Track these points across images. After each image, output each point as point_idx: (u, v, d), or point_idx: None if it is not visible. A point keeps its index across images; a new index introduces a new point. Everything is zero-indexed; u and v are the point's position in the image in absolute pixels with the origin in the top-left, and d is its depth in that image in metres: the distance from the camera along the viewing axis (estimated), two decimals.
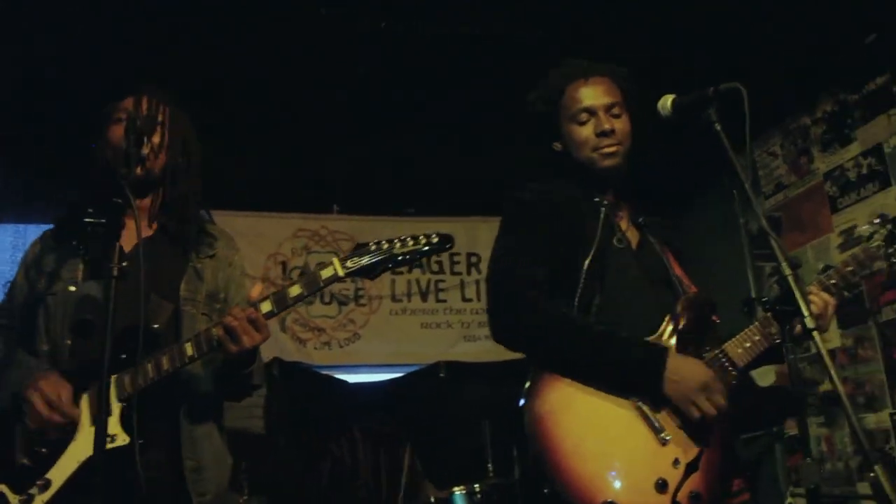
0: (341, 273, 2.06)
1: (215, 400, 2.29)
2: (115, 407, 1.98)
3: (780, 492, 4.98)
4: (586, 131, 2.37)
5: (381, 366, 5.92)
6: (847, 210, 4.72)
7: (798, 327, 1.92)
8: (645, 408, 2.09)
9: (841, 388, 1.65)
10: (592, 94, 2.39)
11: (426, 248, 2.11)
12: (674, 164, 5.63)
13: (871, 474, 1.51)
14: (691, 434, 2.08)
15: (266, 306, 2.06)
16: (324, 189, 5.95)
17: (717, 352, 2.22)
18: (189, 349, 2.04)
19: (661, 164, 5.56)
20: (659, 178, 5.64)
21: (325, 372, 5.73)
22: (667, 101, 2.25)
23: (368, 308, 6.00)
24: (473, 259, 6.31)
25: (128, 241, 2.00)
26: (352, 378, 5.84)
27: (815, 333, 1.71)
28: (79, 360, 2.09)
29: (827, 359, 1.70)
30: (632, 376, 2.10)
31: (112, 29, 3.76)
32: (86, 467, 1.95)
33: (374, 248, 2.08)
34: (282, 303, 2.07)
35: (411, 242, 2.10)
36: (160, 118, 2.27)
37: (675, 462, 2.02)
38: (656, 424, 2.07)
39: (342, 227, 6.05)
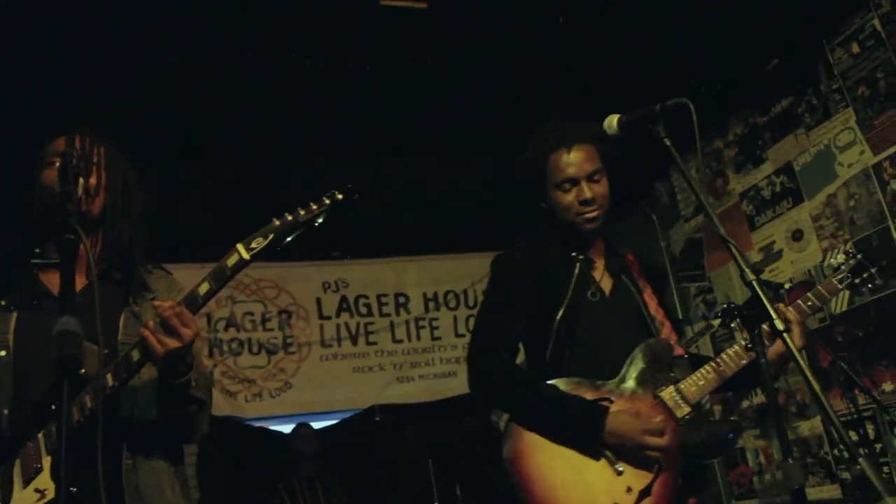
0: (247, 256, 1.90)
1: (163, 437, 2.06)
2: (45, 461, 1.83)
3: None
4: (569, 198, 2.51)
5: (315, 413, 5.78)
6: (764, 227, 4.90)
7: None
8: (612, 447, 2.32)
9: (816, 386, 1.67)
10: (575, 164, 2.52)
11: (331, 204, 1.95)
12: None
13: (857, 467, 1.53)
14: (643, 465, 2.31)
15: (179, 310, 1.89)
16: (246, 236, 5.78)
17: (672, 390, 2.41)
18: (110, 379, 1.87)
19: None
20: None
21: (258, 424, 5.55)
22: (612, 121, 2.27)
23: (298, 355, 5.86)
24: (401, 300, 6.26)
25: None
26: (286, 428, 5.66)
27: (785, 335, 1.73)
28: (14, 429, 1.91)
29: (800, 359, 1.72)
30: (577, 436, 2.34)
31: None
32: None
33: (277, 222, 1.93)
34: (193, 303, 1.91)
35: (315, 206, 1.94)
36: (95, 158, 2.15)
37: (629, 489, 2.27)
38: (611, 458, 2.32)
39: (267, 274, 5.91)
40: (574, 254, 2.55)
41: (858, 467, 1.53)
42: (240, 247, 1.91)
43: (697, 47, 4.37)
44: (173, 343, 1.83)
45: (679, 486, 2.33)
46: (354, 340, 6.04)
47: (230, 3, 3.45)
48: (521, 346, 2.59)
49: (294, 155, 4.79)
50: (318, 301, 6.04)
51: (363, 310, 6.13)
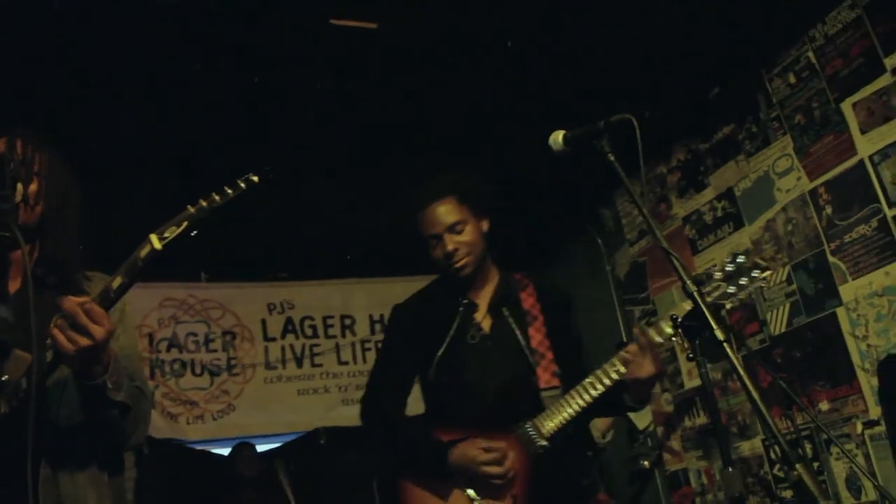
0: (158, 246, 1.77)
1: (91, 445, 1.95)
2: None
3: None
4: (437, 252, 2.72)
5: (259, 436, 5.68)
6: (706, 251, 5.02)
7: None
8: (461, 480, 2.57)
9: (756, 395, 1.70)
10: (434, 221, 2.72)
11: (246, 188, 1.84)
12: (537, 218, 5.82)
13: (795, 472, 1.56)
14: (496, 496, 2.54)
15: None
16: (191, 256, 5.71)
17: (527, 425, 2.57)
18: (24, 382, 1.78)
19: (525, 220, 5.74)
20: (523, 234, 5.83)
21: (200, 447, 5.43)
22: (558, 137, 2.31)
23: (242, 377, 5.77)
24: (347, 321, 6.23)
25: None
26: (229, 451, 5.55)
27: (725, 345, 1.77)
28: None
29: (740, 369, 1.75)
30: (430, 472, 2.61)
31: None
32: None
33: (191, 209, 1.81)
34: (106, 298, 1.80)
35: (230, 189, 1.83)
36: (36, 166, 2.08)
37: None
38: (469, 492, 2.56)
39: (212, 294, 5.83)
40: (459, 298, 2.76)
41: (796, 473, 1.56)
42: (152, 237, 1.78)
43: (642, 75, 4.46)
44: (83, 341, 1.72)
45: None
46: (300, 362, 5.97)
47: (180, 18, 3.41)
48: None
49: (238, 173, 4.73)
50: (264, 322, 5.97)
51: (309, 331, 6.07)
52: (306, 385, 5.92)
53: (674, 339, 2.41)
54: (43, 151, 2.12)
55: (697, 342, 1.92)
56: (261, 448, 5.67)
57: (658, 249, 5.20)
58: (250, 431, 5.65)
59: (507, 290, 2.81)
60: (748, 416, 4.67)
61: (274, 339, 5.96)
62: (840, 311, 4.14)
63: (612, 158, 2.18)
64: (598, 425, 4.56)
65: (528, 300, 2.80)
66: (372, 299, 6.20)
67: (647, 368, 2.39)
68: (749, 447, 4.66)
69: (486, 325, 2.75)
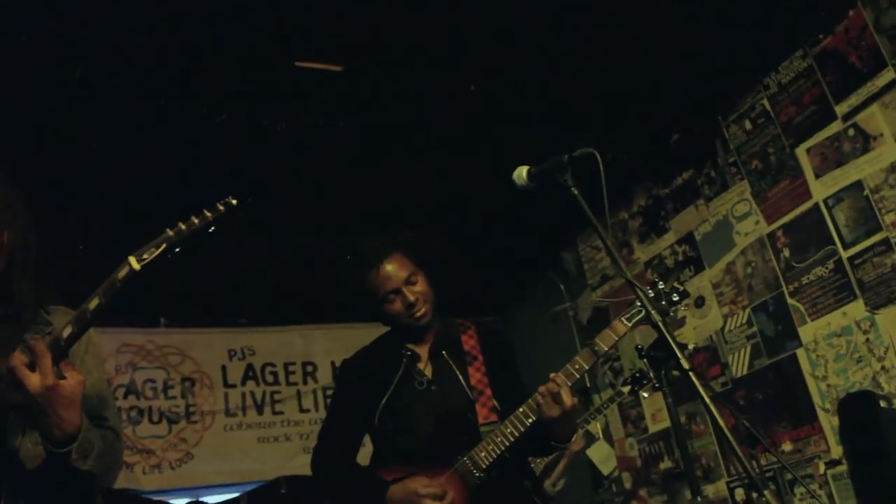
0: (137, 267, 1.71)
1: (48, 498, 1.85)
2: None
3: None
4: (397, 307, 2.81)
5: (218, 486, 5.53)
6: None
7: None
8: None
9: (723, 423, 1.70)
10: (390, 277, 2.82)
11: (225, 211, 1.79)
12: (498, 263, 5.84)
13: (763, 498, 1.55)
14: None
15: (66, 331, 1.74)
16: (149, 301, 5.61)
17: (464, 458, 2.64)
18: None
19: (485, 265, 5.76)
20: (484, 279, 5.84)
21: (156, 498, 5.26)
22: (522, 172, 2.34)
23: (201, 424, 5.64)
24: (309, 368, 6.15)
25: None
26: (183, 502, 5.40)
27: (690, 373, 1.77)
28: None
29: (706, 397, 1.75)
30: None
31: None
32: None
33: (170, 232, 1.75)
34: (82, 320, 1.74)
35: (208, 213, 1.77)
36: (5, 216, 2.02)
37: None
38: None
39: (171, 340, 5.72)
40: (403, 351, 2.87)
41: (764, 499, 1.56)
42: (131, 259, 1.72)
43: (602, 120, 4.54)
44: (15, 397, 1.64)
45: None
46: (260, 409, 5.86)
47: (145, 52, 3.41)
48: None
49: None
50: (224, 368, 5.86)
51: (269, 378, 5.98)
52: (267, 433, 5.80)
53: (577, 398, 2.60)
54: (9, 196, 2.07)
55: (663, 372, 1.93)
56: (219, 497, 5.51)
57: (621, 292, 5.26)
58: (209, 481, 5.50)
59: (447, 335, 2.94)
60: (712, 459, 4.67)
61: (234, 386, 5.85)
62: (800, 353, 4.20)
63: (575, 192, 2.20)
64: (551, 476, 4.55)
65: (468, 342, 2.95)
66: (334, 345, 6.12)
67: (555, 409, 2.50)
68: (713, 490, 4.65)
69: (429, 371, 2.87)
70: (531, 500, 2.97)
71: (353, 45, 3.73)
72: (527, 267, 6.04)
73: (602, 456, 5.36)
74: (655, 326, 1.89)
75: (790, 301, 4.27)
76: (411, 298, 2.78)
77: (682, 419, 4.86)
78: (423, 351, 2.91)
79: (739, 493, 4.48)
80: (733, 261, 4.62)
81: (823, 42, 4.10)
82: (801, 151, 4.22)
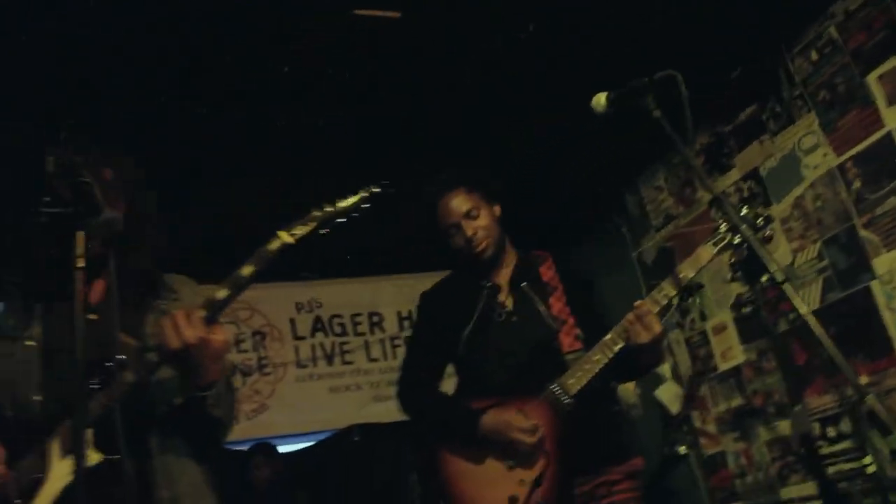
0: (290, 240, 1.98)
1: (185, 433, 2.10)
2: (87, 433, 1.86)
3: None
4: (458, 240, 2.88)
5: (293, 435, 5.71)
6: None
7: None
8: (494, 445, 2.66)
9: (822, 332, 1.71)
10: (450, 211, 2.89)
11: (369, 196, 2.08)
12: (560, 207, 5.83)
13: (865, 404, 1.56)
14: (529, 458, 2.62)
15: (222, 292, 1.96)
16: (215, 255, 5.73)
17: (553, 386, 2.66)
18: (130, 375, 1.90)
19: (547, 209, 5.75)
20: (546, 224, 5.84)
21: (235, 448, 5.45)
22: (601, 98, 2.35)
23: (274, 377, 5.79)
24: (375, 318, 6.26)
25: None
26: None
27: (786, 285, 1.78)
28: (47, 412, 1.97)
29: (799, 304, 1.76)
30: (463, 437, 2.71)
31: None
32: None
33: (317, 212, 2.02)
34: (237, 284, 1.97)
35: (352, 197, 2.06)
36: (119, 188, 2.17)
37: (521, 481, 2.60)
38: (501, 455, 2.65)
39: (240, 295, 5.84)
40: (482, 282, 2.92)
41: (867, 403, 1.57)
42: (281, 233, 1.98)
43: (661, 58, 4.47)
44: (171, 343, 1.84)
45: (567, 472, 2.63)
46: (330, 360, 6.00)
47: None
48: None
49: (286, 167, 4.77)
50: (292, 321, 6.00)
51: (338, 329, 6.10)
52: (338, 383, 5.95)
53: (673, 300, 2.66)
54: (123, 169, 2.20)
55: (757, 284, 1.95)
56: (293, 447, 5.69)
57: (685, 233, 5.22)
58: (284, 430, 5.68)
59: (526, 267, 2.98)
60: (785, 395, 4.65)
61: (303, 338, 5.99)
62: (874, 285, 4.13)
63: (658, 115, 2.20)
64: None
65: (547, 273, 2.97)
66: (399, 296, 6.22)
67: (644, 335, 2.52)
68: (787, 426, 4.64)
69: (510, 303, 2.91)
70: (619, 425, 3.00)
71: None
72: (588, 210, 6.02)
73: (671, 396, 5.37)
74: (747, 241, 1.89)
75: (863, 233, 4.19)
76: (469, 233, 2.84)
77: (753, 356, 4.84)
78: (502, 282, 2.96)
79: (815, 427, 4.45)
80: (802, 195, 4.55)
81: None
82: (871, 79, 4.11)
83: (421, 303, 3.10)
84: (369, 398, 5.96)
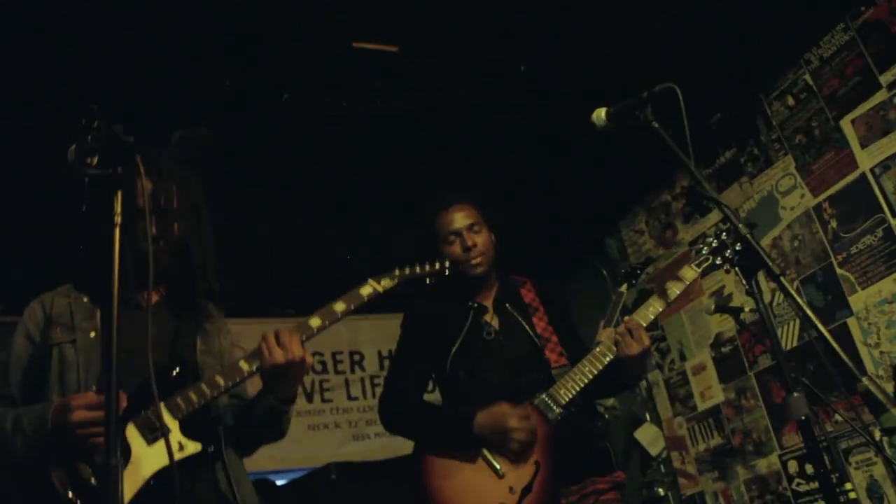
0: (381, 290, 2.28)
1: (248, 444, 2.36)
2: (173, 424, 2.00)
3: None
4: (456, 249, 2.95)
5: (270, 472, 5.60)
6: (714, 273, 5.09)
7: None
8: (487, 454, 2.70)
9: (823, 329, 1.76)
10: (454, 220, 2.99)
11: (440, 269, 2.43)
12: (540, 250, 5.90)
13: (862, 384, 1.61)
14: (521, 466, 2.66)
15: (315, 321, 2.18)
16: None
17: (544, 395, 2.74)
18: (221, 380, 2.09)
19: (528, 253, 5.82)
20: (527, 258, 5.90)
21: None
22: (601, 113, 2.43)
23: None
24: (356, 357, 6.24)
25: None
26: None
27: (781, 279, 1.85)
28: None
29: (799, 300, 1.82)
30: (455, 437, 2.75)
31: None
32: (146, 487, 1.92)
33: (404, 272, 2.34)
34: (331, 317, 2.19)
35: (429, 267, 2.40)
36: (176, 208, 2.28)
37: (511, 489, 2.62)
38: (494, 464, 2.68)
39: None
40: (469, 303, 3.00)
41: (863, 384, 1.62)
42: (372, 281, 2.28)
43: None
44: (275, 359, 2.07)
45: (556, 481, 2.68)
46: (310, 398, 5.96)
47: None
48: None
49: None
50: None
51: (318, 367, 6.07)
52: (316, 420, 5.89)
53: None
54: (182, 188, 2.27)
55: (753, 280, 2.01)
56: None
57: (665, 273, 5.30)
58: (261, 466, 5.57)
59: (509, 289, 3.08)
60: (763, 433, 4.69)
61: None
62: (851, 321, 4.23)
63: (656, 126, 2.28)
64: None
65: (527, 295, 3.08)
66: (379, 335, 6.21)
67: (634, 347, 2.64)
68: (766, 464, 4.67)
69: (495, 322, 2.99)
70: (603, 440, 3.04)
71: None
72: (568, 254, 6.10)
73: (650, 437, 5.38)
74: (743, 239, 1.96)
75: (839, 271, 4.31)
76: (469, 243, 2.93)
77: (732, 395, 4.89)
78: (488, 303, 3.04)
79: (792, 465, 4.50)
80: (779, 235, 4.67)
81: (866, 14, 4.17)
82: (845, 123, 4.28)
83: (407, 317, 3.14)
84: (348, 436, 5.91)
